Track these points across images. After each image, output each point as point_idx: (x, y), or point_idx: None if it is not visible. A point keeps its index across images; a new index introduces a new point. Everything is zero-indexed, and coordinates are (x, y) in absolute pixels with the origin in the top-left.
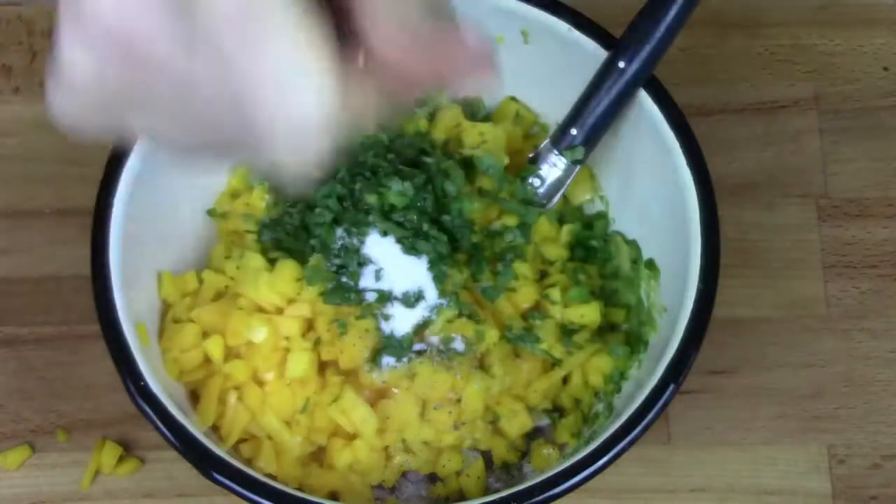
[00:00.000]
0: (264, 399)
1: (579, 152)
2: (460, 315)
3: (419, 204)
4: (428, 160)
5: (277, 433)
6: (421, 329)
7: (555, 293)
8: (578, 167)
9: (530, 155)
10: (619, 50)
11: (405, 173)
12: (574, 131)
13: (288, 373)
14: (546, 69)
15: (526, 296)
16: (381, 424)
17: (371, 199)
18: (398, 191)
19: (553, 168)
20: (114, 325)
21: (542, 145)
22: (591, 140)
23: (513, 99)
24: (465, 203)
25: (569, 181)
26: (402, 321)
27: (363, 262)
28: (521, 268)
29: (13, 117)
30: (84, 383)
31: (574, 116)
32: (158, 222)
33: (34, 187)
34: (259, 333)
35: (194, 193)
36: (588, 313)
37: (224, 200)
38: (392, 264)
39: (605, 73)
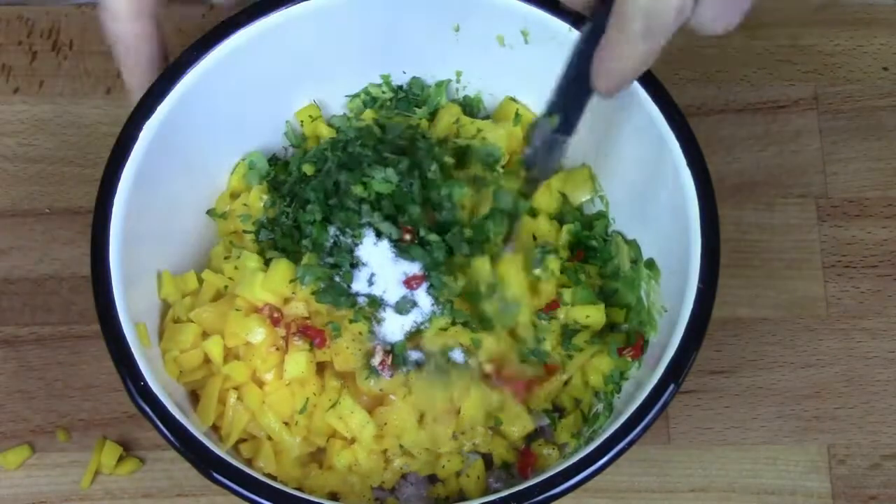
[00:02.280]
0: (264, 399)
1: (555, 119)
2: (454, 323)
3: (405, 190)
4: (420, 146)
5: (277, 433)
6: (414, 336)
7: (567, 294)
8: (566, 138)
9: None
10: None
11: (389, 160)
12: (554, 98)
13: (286, 374)
14: (546, 69)
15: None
16: (378, 430)
17: (357, 189)
18: (382, 178)
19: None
20: (114, 325)
21: (535, 118)
22: (565, 106)
23: (513, 99)
24: (455, 188)
25: (559, 154)
26: (393, 327)
27: (356, 264)
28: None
29: (13, 117)
30: (84, 383)
31: (555, 89)
32: (158, 222)
33: (34, 187)
34: (257, 334)
35: (194, 193)
36: (593, 314)
37: (224, 201)
38: (385, 270)
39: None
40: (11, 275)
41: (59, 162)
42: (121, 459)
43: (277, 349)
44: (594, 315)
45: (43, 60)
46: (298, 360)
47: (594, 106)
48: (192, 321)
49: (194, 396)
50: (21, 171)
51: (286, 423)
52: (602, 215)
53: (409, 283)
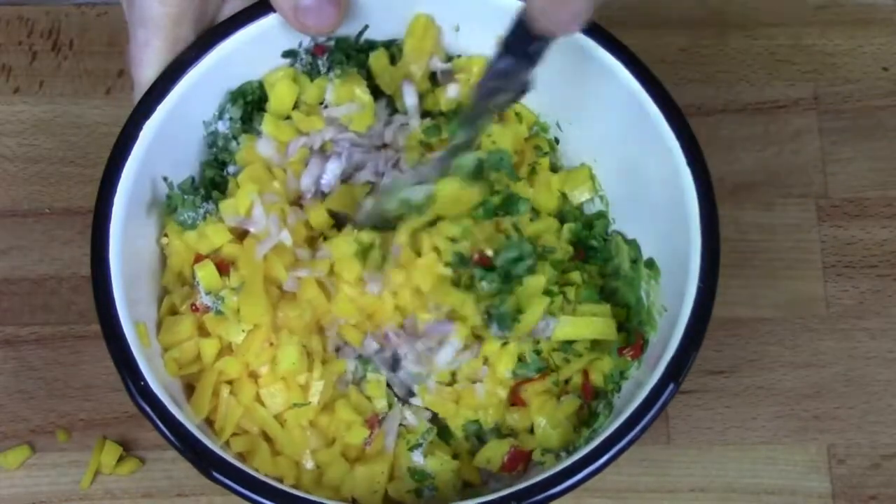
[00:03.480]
0: (256, 393)
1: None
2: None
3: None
4: None
5: (271, 428)
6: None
7: (570, 291)
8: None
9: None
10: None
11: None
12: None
13: (279, 367)
14: (546, 69)
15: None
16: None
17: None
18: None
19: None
20: (114, 325)
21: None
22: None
23: None
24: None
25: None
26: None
27: None
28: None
29: (13, 117)
30: (84, 383)
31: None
32: (158, 222)
33: (34, 187)
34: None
35: None
36: (595, 327)
37: None
38: None
39: None
40: (11, 275)
41: (59, 162)
42: (121, 459)
43: (271, 344)
44: (595, 328)
45: (43, 60)
46: (290, 353)
47: (596, 105)
48: (188, 313)
49: (190, 389)
50: (21, 171)
51: (279, 419)
52: (602, 215)
53: None
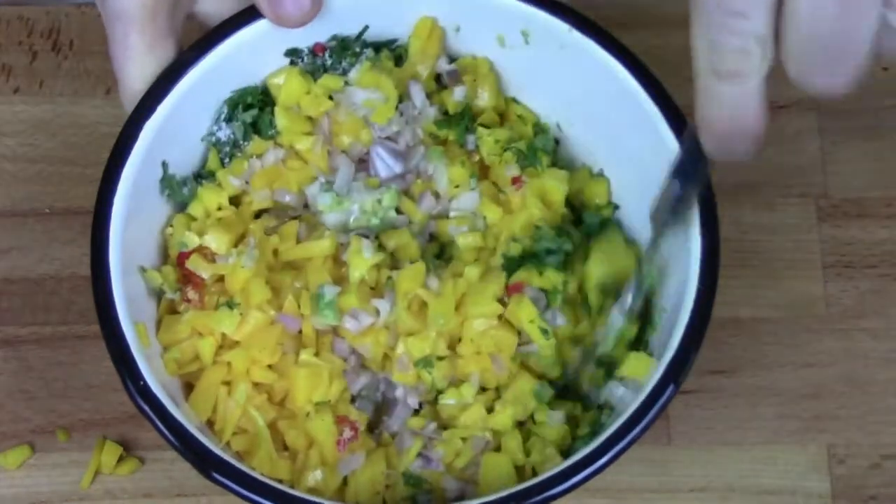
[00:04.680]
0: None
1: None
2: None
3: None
4: None
5: (261, 429)
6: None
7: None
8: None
9: None
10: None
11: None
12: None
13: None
14: (546, 69)
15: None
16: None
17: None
18: None
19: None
20: (114, 325)
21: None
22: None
23: (513, 100)
24: None
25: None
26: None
27: None
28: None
29: (13, 117)
30: (84, 383)
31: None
32: (158, 222)
33: (34, 187)
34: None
35: None
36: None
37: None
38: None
39: None
40: (11, 275)
41: (59, 162)
42: (121, 459)
43: (280, 345)
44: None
45: (43, 60)
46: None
47: (597, 106)
48: (186, 310)
49: (188, 388)
50: (21, 171)
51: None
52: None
53: None
